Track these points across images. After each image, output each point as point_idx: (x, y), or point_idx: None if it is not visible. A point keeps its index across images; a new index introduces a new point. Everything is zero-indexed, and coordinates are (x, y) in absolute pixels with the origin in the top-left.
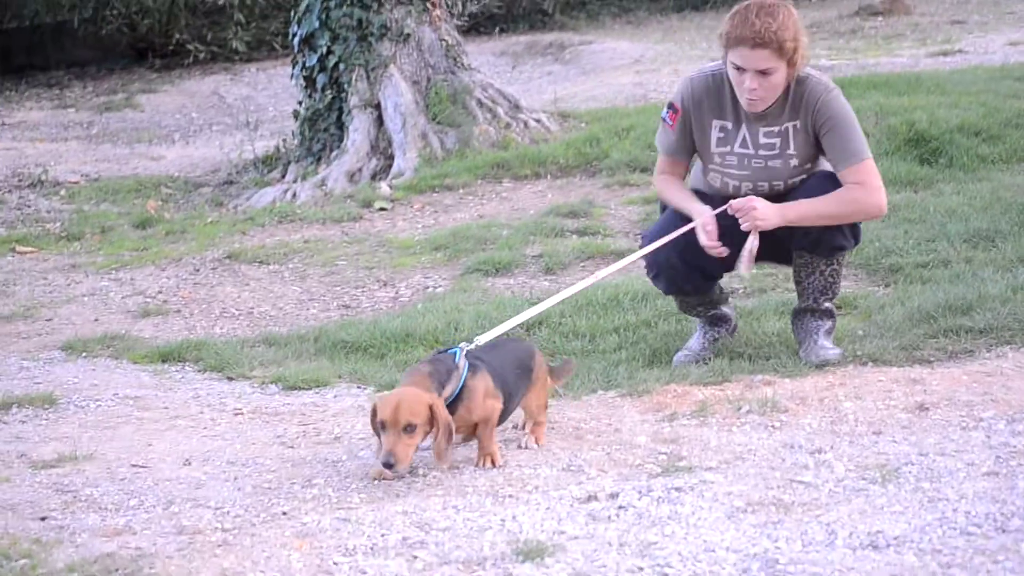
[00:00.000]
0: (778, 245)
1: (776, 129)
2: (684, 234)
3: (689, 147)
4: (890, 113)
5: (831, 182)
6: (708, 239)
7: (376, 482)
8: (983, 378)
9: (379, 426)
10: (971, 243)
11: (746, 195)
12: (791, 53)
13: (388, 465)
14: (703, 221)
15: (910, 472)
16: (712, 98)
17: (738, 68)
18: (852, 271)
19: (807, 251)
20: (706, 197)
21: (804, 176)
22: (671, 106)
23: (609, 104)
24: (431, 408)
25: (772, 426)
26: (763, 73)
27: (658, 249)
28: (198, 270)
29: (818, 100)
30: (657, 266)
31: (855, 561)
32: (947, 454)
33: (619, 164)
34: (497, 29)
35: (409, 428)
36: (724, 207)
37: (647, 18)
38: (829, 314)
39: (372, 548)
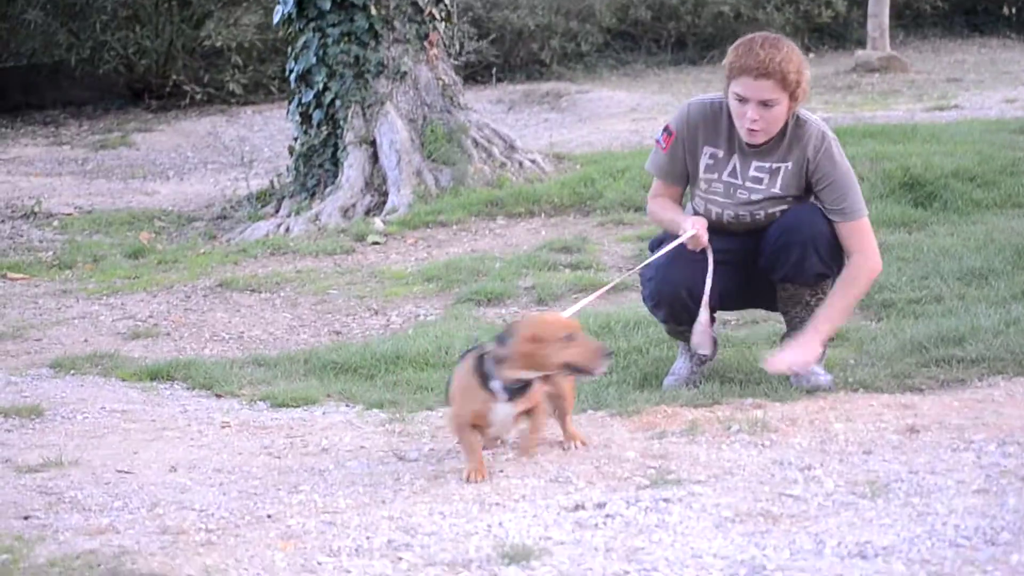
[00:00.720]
0: (764, 293)
1: (768, 165)
2: (690, 269)
3: (681, 172)
4: (885, 159)
5: (815, 211)
6: (694, 243)
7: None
8: (974, 404)
9: (566, 339)
10: (964, 280)
11: (728, 223)
12: (794, 86)
13: (610, 353)
14: (694, 227)
15: (900, 488)
16: (708, 125)
17: (740, 99)
18: None
19: (790, 282)
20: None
21: (785, 207)
22: (666, 129)
23: (605, 149)
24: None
25: (762, 444)
26: (765, 104)
27: (663, 281)
28: (189, 297)
29: (819, 152)
30: (659, 296)
31: (843, 569)
32: (937, 472)
33: (613, 203)
34: (494, 78)
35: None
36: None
37: (644, 71)
38: None
39: (357, 550)
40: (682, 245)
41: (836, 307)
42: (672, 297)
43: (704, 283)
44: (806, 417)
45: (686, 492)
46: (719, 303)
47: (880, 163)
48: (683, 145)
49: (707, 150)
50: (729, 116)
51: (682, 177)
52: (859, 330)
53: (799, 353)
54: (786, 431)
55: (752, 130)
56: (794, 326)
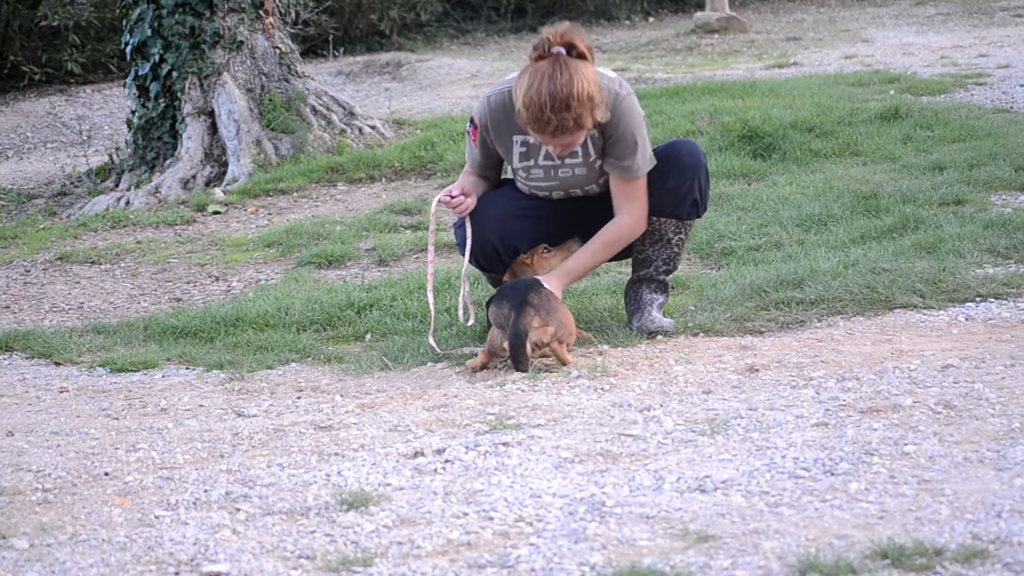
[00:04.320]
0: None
1: None
2: (504, 216)
3: (492, 162)
4: (724, 113)
5: (693, 145)
6: (444, 196)
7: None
8: (814, 343)
9: None
10: (804, 227)
11: (559, 201)
12: (591, 120)
13: None
14: (448, 196)
15: (739, 424)
16: (511, 116)
17: (540, 142)
18: (685, 255)
19: (656, 215)
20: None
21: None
22: (472, 121)
23: (445, 114)
24: None
25: (602, 388)
26: (566, 144)
27: (476, 229)
28: (28, 271)
29: (610, 110)
30: (474, 244)
31: (682, 503)
32: (776, 408)
33: (454, 165)
34: (333, 51)
35: None
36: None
37: (484, 39)
38: (664, 288)
39: (195, 502)
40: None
41: (582, 258)
42: (486, 243)
43: (519, 230)
44: (646, 361)
45: (525, 436)
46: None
47: (719, 117)
48: (490, 137)
49: (517, 139)
50: None
51: (493, 167)
52: (699, 277)
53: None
54: (626, 375)
55: (558, 153)
56: (647, 265)
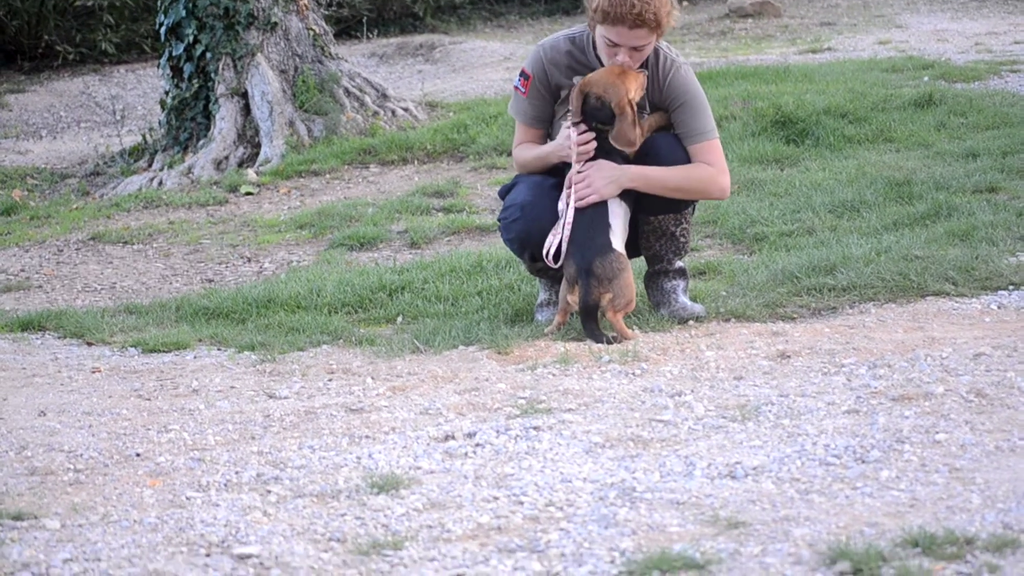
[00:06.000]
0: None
1: None
2: (555, 206)
3: (544, 113)
4: (757, 98)
5: (679, 146)
6: (578, 149)
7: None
8: (845, 330)
9: None
10: (836, 213)
11: (597, 156)
12: (664, 26)
13: None
14: (567, 141)
15: (770, 411)
16: (566, 60)
17: (612, 44)
18: (717, 241)
19: (654, 214)
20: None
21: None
22: (523, 73)
23: (478, 97)
24: None
25: (633, 373)
26: (636, 48)
27: (531, 221)
28: (61, 250)
29: (669, 75)
30: (527, 236)
31: (713, 489)
32: (808, 395)
33: (486, 148)
34: (367, 33)
35: None
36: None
37: (518, 21)
38: (682, 273)
39: (226, 484)
40: (541, 181)
41: (664, 173)
42: (541, 236)
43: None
44: (677, 346)
45: (556, 420)
46: None
47: (753, 102)
48: (544, 86)
49: (578, 79)
50: (587, 48)
51: (546, 119)
52: (731, 263)
53: (600, 177)
54: (657, 360)
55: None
56: (658, 260)
